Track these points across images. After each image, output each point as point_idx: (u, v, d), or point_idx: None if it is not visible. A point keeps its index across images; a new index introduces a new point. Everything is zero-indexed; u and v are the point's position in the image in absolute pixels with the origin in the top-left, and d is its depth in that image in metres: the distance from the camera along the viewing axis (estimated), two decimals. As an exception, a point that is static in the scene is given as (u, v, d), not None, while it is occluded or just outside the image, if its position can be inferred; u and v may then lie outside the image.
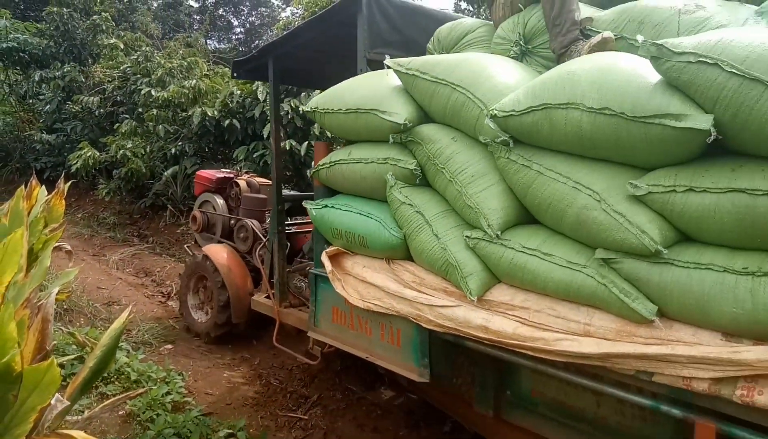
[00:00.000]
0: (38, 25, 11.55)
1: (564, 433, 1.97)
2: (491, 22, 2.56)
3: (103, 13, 11.16)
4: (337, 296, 2.52)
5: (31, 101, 11.11)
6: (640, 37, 1.65)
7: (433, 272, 2.16)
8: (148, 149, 8.30)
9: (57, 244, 3.39)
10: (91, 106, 9.51)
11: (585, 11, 2.16)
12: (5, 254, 1.46)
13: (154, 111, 8.36)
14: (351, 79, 2.60)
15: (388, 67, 2.28)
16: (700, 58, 1.37)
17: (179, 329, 4.70)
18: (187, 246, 5.47)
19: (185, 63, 9.00)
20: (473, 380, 2.26)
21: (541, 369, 1.83)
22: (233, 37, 24.32)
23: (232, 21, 26.11)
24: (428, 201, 2.17)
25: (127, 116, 8.98)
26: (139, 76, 9.16)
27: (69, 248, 3.70)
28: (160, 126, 8.21)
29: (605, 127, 1.55)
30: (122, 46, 10.56)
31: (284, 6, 24.84)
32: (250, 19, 26.21)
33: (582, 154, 1.71)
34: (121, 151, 8.04)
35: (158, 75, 8.71)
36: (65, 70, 10.25)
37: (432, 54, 2.67)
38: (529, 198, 1.82)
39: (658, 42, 1.46)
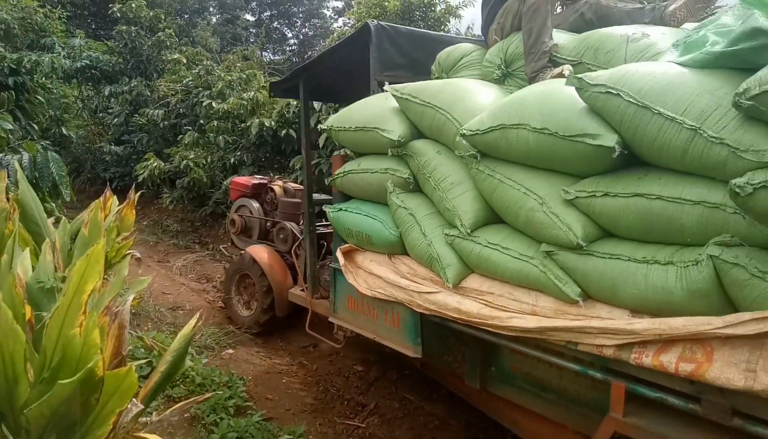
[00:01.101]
0: (108, 43, 12.24)
1: (536, 402, 2.29)
2: (483, 48, 2.93)
3: (167, 30, 11.70)
4: (351, 287, 2.92)
5: (101, 115, 11.78)
6: (566, 71, 2.23)
7: (422, 264, 2.56)
8: (209, 159, 8.61)
9: (127, 251, 3.57)
10: (156, 119, 9.98)
11: (557, 37, 2.49)
12: (88, 265, 1.54)
13: (215, 122, 8.67)
14: (360, 101, 2.99)
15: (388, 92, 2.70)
16: (608, 89, 1.71)
17: (239, 334, 4.83)
18: (223, 247, 5.86)
19: (244, 75, 9.30)
20: (463, 358, 2.61)
21: (516, 348, 2.16)
22: (287, 48, 24.96)
23: (286, 33, 26.80)
24: (419, 204, 2.58)
25: (189, 128, 9.37)
26: (200, 89, 9.54)
27: (138, 255, 3.89)
28: (220, 137, 8.51)
29: (545, 143, 1.90)
30: (184, 61, 11.03)
31: (336, 17, 25.29)
32: (303, 30, 26.83)
33: (531, 165, 2.06)
34: (184, 162, 8.39)
35: (218, 88, 9.05)
36: (132, 84, 10.82)
37: (435, 74, 3.06)
38: (494, 202, 2.21)
39: (579, 76, 1.81)
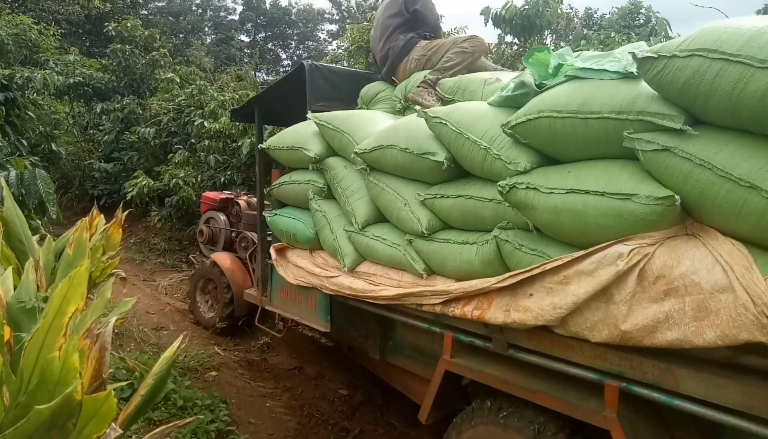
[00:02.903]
0: (102, 61, 12.27)
1: (417, 365, 2.91)
2: (392, 86, 3.59)
3: (161, 49, 11.76)
4: (282, 278, 3.55)
5: (92, 132, 11.72)
6: (417, 107, 2.96)
7: (330, 255, 3.18)
8: (198, 178, 8.59)
9: (113, 270, 3.53)
10: (147, 137, 9.95)
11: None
12: (71, 287, 1.53)
13: (206, 142, 8.67)
14: (291, 126, 3.58)
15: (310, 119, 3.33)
16: (441, 121, 2.35)
17: (223, 355, 4.77)
18: (192, 256, 6.32)
19: (237, 95, 9.34)
20: (367, 334, 3.24)
21: (404, 321, 2.72)
22: (281, 69, 25.19)
23: (281, 54, 27.09)
24: (331, 208, 3.18)
25: (180, 146, 9.35)
26: (192, 108, 9.55)
27: (123, 274, 3.84)
28: (211, 156, 8.50)
29: (408, 159, 2.55)
30: (178, 80, 11.07)
31: (331, 40, 25.58)
32: (297, 52, 27.13)
33: (402, 175, 2.69)
34: (173, 180, 8.35)
35: (211, 107, 9.07)
36: (125, 102, 10.81)
37: (360, 105, 3.71)
38: (379, 204, 2.83)
39: (425, 110, 2.50)
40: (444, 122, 2.33)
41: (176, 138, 9.81)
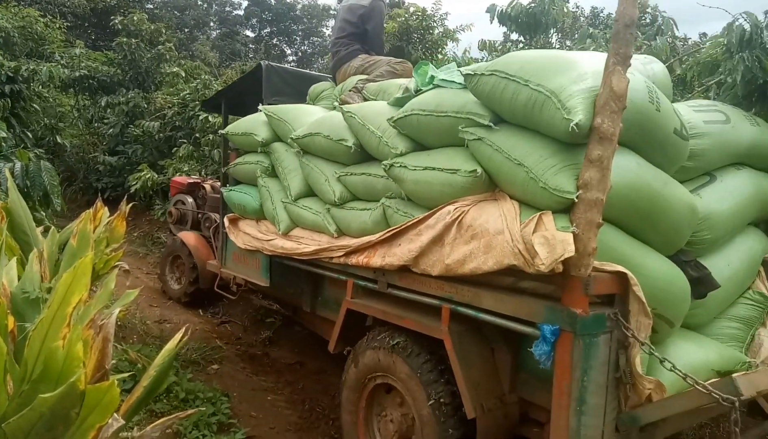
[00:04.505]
0: (108, 54, 12.26)
1: (336, 314, 3.25)
2: (335, 85, 4.32)
3: (167, 43, 11.75)
4: (234, 244, 4.17)
5: (96, 125, 11.71)
6: (336, 103, 3.78)
7: (271, 222, 3.76)
8: (203, 172, 8.60)
9: (116, 263, 3.54)
10: (151, 131, 9.96)
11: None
12: (75, 278, 1.54)
13: (210, 136, 8.67)
14: (247, 116, 4.18)
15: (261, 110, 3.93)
16: (351, 115, 3.01)
17: (225, 349, 4.79)
18: (164, 235, 6.96)
19: (241, 91, 9.33)
20: (302, 291, 3.93)
21: (329, 276, 3.33)
22: (286, 64, 25.14)
23: (285, 50, 27.03)
24: (273, 184, 3.74)
25: (184, 141, 9.35)
26: (197, 102, 9.56)
27: (127, 267, 3.87)
28: (216, 150, 8.51)
29: (328, 144, 3.18)
30: (183, 74, 11.06)
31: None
32: (302, 48, 27.09)
33: (326, 158, 3.31)
34: (178, 174, 8.36)
35: (215, 102, 9.07)
36: (129, 96, 10.80)
37: (309, 101, 4.35)
38: (309, 180, 3.43)
39: (341, 106, 3.28)
40: (353, 116, 2.99)
41: (181, 132, 9.81)
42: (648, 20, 7.79)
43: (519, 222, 2.07)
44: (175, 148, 9.33)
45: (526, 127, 2.18)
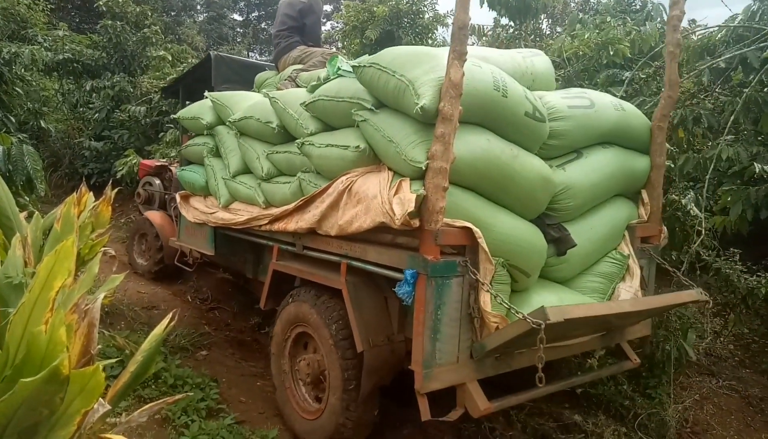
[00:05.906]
0: (92, 37, 12.02)
1: None
2: (276, 75, 4.75)
3: (152, 26, 11.54)
4: (186, 219, 4.65)
5: (81, 110, 11.51)
6: (266, 92, 3.85)
7: (214, 198, 4.23)
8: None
9: (102, 248, 3.50)
10: (137, 116, 9.82)
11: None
12: (57, 261, 1.51)
13: (197, 121, 8.57)
14: (197, 102, 4.59)
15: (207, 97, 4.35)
16: (275, 101, 3.41)
17: (214, 335, 4.78)
18: (133, 216, 7.38)
19: (228, 75, 9.20)
20: (246, 260, 4.47)
21: (267, 244, 3.72)
22: (274, 49, 24.81)
23: (274, 34, 26.63)
24: (217, 163, 4.19)
25: (171, 126, 9.24)
26: (184, 87, 9.42)
27: (113, 252, 3.82)
28: (203, 136, 8.42)
29: (259, 126, 3.58)
30: (170, 58, 10.89)
31: (325, 21, 25.18)
32: (291, 32, 26.69)
33: (258, 138, 3.71)
34: (164, 159, 8.26)
35: (202, 86, 8.94)
36: (115, 80, 10.62)
37: (255, 89, 4.75)
38: (245, 159, 3.82)
39: (267, 92, 3.63)
40: (276, 101, 3.37)
41: (167, 117, 9.68)
42: (638, 6, 7.77)
43: (389, 188, 2.51)
44: (162, 133, 9.23)
45: (398, 110, 2.58)
